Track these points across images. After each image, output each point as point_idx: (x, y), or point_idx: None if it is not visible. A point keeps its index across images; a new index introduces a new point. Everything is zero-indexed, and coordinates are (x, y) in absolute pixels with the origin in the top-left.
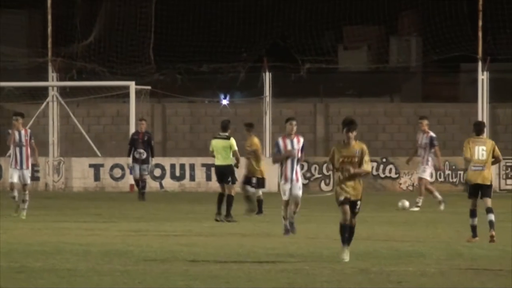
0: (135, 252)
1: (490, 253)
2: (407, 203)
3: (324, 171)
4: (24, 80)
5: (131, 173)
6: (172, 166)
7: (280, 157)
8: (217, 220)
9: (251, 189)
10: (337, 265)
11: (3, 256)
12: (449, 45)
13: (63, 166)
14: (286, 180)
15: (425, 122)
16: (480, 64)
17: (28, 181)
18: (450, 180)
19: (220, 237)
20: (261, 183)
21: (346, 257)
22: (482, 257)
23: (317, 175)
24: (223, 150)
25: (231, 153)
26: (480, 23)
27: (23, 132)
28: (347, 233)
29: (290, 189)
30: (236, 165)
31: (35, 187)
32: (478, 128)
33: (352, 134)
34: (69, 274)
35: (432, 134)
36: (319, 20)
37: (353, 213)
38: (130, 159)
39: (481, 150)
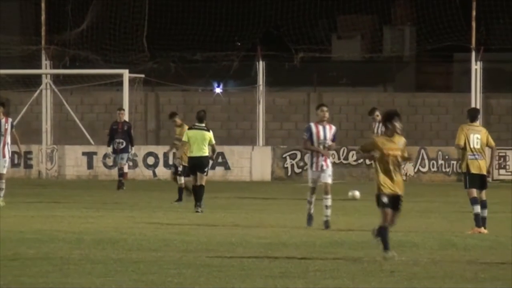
0: (128, 240)
1: (483, 243)
2: (357, 193)
3: None
4: (17, 68)
5: (113, 163)
6: (165, 155)
7: (312, 149)
8: (197, 212)
9: (180, 178)
10: (330, 254)
11: None
12: (443, 34)
13: (56, 154)
14: (316, 168)
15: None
16: (473, 54)
17: (3, 170)
18: (443, 170)
19: (213, 226)
20: (187, 171)
21: (394, 253)
22: (475, 247)
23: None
24: (201, 141)
25: (209, 145)
26: (474, 12)
27: (3, 121)
28: (387, 235)
29: (319, 177)
30: (212, 158)
31: (28, 174)
32: (474, 115)
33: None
34: (62, 262)
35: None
36: (313, 9)
37: (397, 209)
38: (109, 149)
39: (476, 138)
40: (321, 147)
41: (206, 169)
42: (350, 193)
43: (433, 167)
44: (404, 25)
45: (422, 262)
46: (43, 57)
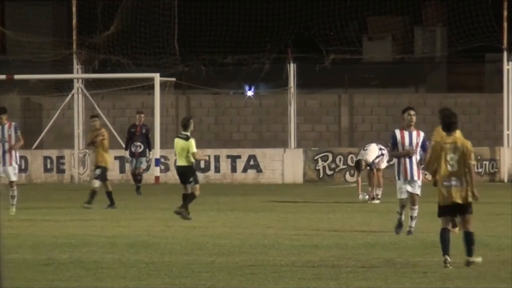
0: (161, 244)
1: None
2: (366, 196)
3: (349, 161)
4: (49, 73)
5: (131, 167)
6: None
7: (398, 154)
8: (175, 212)
9: (95, 181)
10: (362, 256)
11: (30, 249)
12: (474, 35)
13: (88, 158)
14: (405, 177)
15: None
16: (505, 54)
17: (13, 177)
18: (476, 170)
19: (245, 229)
20: (105, 174)
21: (477, 259)
22: (509, 247)
23: (342, 166)
24: (181, 150)
25: (190, 154)
26: (505, 13)
27: (6, 126)
28: (448, 241)
29: (408, 188)
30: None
31: (60, 179)
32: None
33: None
34: (95, 266)
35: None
36: (343, 10)
37: (464, 219)
38: (127, 153)
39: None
40: (408, 156)
41: (190, 179)
42: (360, 196)
43: None
44: (435, 26)
45: (455, 263)
46: (75, 62)
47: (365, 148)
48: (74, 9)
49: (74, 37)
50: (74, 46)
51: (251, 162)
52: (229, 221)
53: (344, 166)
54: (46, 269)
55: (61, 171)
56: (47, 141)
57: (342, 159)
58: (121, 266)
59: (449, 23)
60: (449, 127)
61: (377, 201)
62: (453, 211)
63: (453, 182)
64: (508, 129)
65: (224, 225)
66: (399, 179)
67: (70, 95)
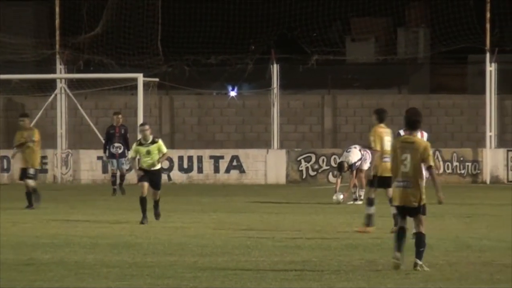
0: (143, 244)
1: (499, 244)
2: (341, 196)
3: (332, 162)
4: (32, 73)
5: (109, 168)
6: (180, 158)
7: None
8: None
9: (31, 181)
10: (345, 257)
11: (12, 248)
12: (457, 36)
13: (71, 158)
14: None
15: None
16: (488, 55)
17: None
18: (458, 171)
19: (228, 229)
20: (37, 174)
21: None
22: (491, 249)
23: (325, 167)
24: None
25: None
26: (488, 14)
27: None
28: (401, 239)
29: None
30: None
31: (43, 179)
32: (382, 116)
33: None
34: (77, 267)
35: None
36: (327, 11)
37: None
38: (105, 155)
39: (387, 140)
40: None
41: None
42: (334, 197)
43: (448, 169)
44: (418, 27)
45: (437, 264)
46: (58, 62)
47: (348, 150)
48: (57, 9)
49: (57, 37)
50: (57, 46)
51: (234, 163)
52: (212, 222)
53: (327, 167)
54: (28, 269)
55: (43, 171)
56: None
57: (325, 160)
58: (103, 266)
59: (432, 24)
60: (413, 125)
61: (359, 202)
62: (403, 212)
63: (404, 183)
64: (490, 131)
65: (207, 226)
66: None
67: (53, 95)
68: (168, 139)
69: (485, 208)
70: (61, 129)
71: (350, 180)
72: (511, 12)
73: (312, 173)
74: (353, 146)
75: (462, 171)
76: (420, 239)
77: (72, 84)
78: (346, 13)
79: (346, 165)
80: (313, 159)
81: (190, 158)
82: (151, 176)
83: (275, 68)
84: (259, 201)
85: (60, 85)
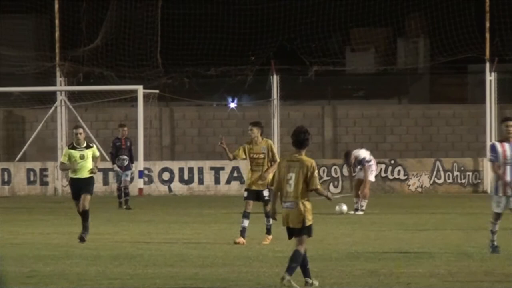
0: (145, 256)
1: (500, 254)
2: (344, 207)
3: (333, 173)
4: (32, 85)
5: (116, 181)
6: (181, 170)
7: (500, 174)
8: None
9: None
10: (346, 267)
11: (13, 261)
12: (457, 46)
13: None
14: (504, 191)
15: None
16: (487, 65)
17: None
18: (459, 181)
19: (229, 240)
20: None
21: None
22: (492, 258)
23: (325, 178)
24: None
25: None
26: (488, 24)
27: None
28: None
29: (507, 202)
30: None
31: (44, 192)
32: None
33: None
34: (78, 279)
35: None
36: (326, 22)
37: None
38: (115, 166)
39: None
40: (509, 168)
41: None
42: (337, 208)
43: (448, 179)
44: (418, 38)
45: (439, 274)
46: (58, 74)
47: (356, 150)
48: (57, 22)
49: (57, 50)
50: (57, 58)
51: (235, 174)
52: (212, 233)
53: (328, 178)
54: (30, 281)
55: (44, 183)
56: (30, 153)
57: (325, 170)
58: (104, 278)
59: (431, 34)
60: (301, 144)
61: (360, 213)
62: (289, 233)
63: (288, 204)
64: (490, 140)
65: (208, 237)
66: (498, 192)
67: (53, 108)
68: (169, 151)
69: (486, 217)
70: (62, 141)
71: (357, 188)
72: (510, 22)
73: None
74: (363, 149)
75: (463, 181)
76: (295, 255)
77: (72, 97)
78: (346, 24)
79: (353, 155)
80: None
81: (190, 170)
82: (82, 183)
83: (274, 79)
84: (260, 212)
85: (60, 98)
